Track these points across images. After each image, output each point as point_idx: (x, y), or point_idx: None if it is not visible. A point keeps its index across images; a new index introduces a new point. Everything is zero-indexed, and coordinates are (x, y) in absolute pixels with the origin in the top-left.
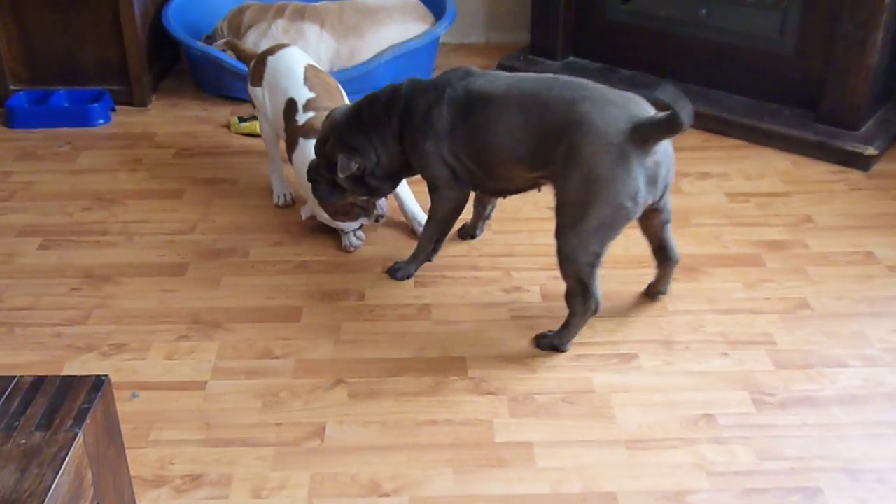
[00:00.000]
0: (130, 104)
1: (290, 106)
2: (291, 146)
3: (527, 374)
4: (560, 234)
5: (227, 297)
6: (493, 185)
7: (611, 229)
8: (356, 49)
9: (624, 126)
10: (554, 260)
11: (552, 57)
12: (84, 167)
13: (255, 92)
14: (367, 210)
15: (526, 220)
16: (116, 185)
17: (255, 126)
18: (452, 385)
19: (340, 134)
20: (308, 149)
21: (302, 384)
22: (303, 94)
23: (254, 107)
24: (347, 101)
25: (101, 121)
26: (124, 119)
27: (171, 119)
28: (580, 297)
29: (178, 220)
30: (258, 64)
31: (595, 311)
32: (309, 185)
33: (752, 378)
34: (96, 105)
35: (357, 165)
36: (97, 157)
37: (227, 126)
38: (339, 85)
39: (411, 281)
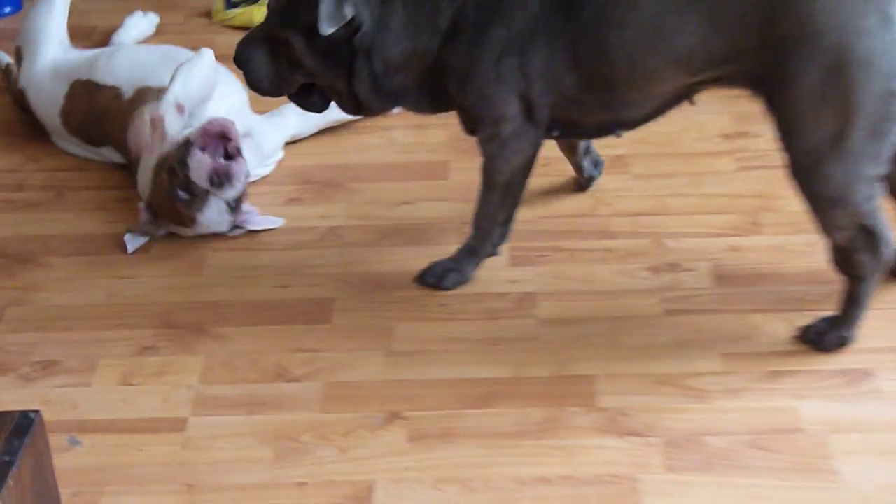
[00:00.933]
0: None
1: None
2: None
3: (692, 403)
4: (810, 169)
5: (215, 285)
6: (608, 115)
7: (885, 136)
8: None
9: None
10: (736, 219)
11: None
12: None
13: None
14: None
15: (687, 155)
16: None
17: (251, 14)
18: (573, 420)
19: None
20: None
21: (335, 421)
22: None
23: None
24: None
25: (8, 8)
26: None
27: (116, 3)
28: (867, 249)
29: None
30: None
31: (890, 261)
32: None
33: None
34: None
35: (352, 14)
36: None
37: (209, 15)
38: None
39: (504, 258)
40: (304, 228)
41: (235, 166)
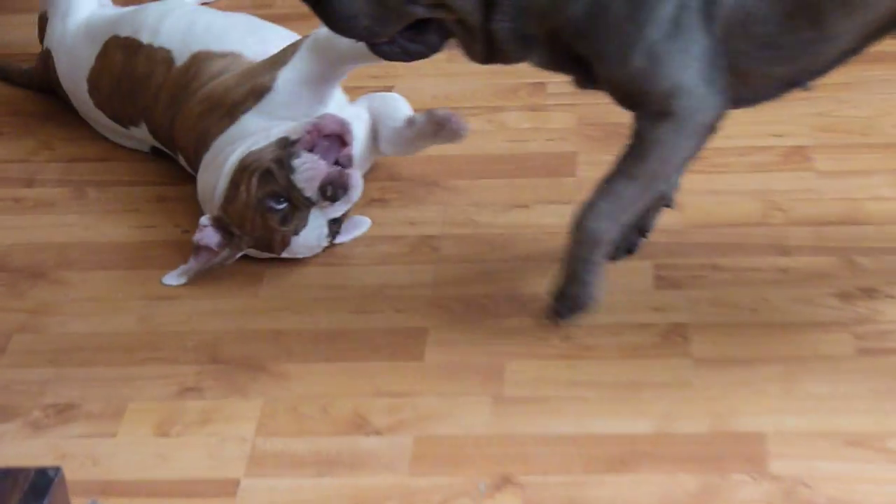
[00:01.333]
0: None
1: None
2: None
3: (894, 472)
4: None
5: (276, 310)
6: (800, 62)
7: None
8: None
9: None
10: None
11: None
12: None
13: None
14: (290, 215)
15: (887, 146)
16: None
17: None
18: (738, 491)
19: None
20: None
21: (429, 487)
22: None
23: None
24: None
25: None
26: None
27: None
28: None
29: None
30: None
31: None
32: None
33: None
34: None
35: None
36: (12, 31)
37: None
38: None
39: (647, 279)
40: (390, 238)
41: (354, 175)
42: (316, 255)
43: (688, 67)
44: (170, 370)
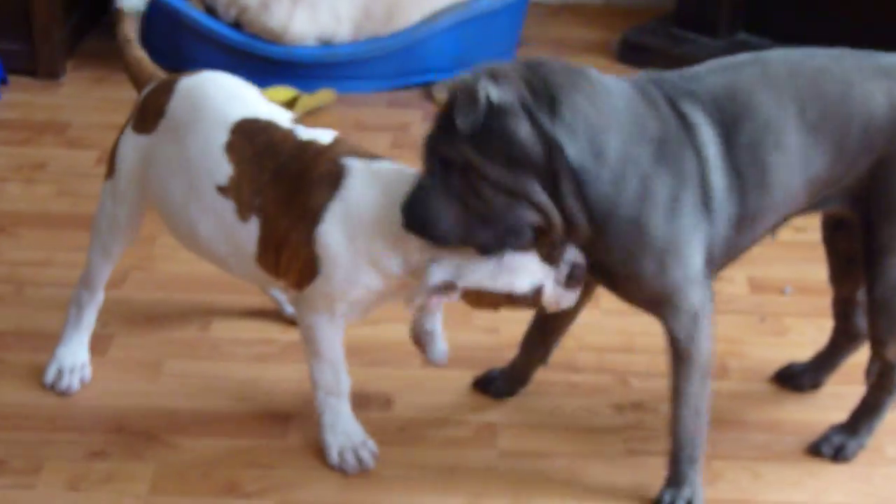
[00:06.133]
0: (32, 74)
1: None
2: None
3: None
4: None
5: (170, 393)
6: (734, 252)
7: None
8: (396, 6)
9: None
10: None
11: (711, 31)
12: None
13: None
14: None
15: None
16: (2, 204)
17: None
18: None
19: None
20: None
21: None
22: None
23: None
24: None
25: None
26: (21, 98)
27: (95, 101)
28: None
29: None
30: (158, 94)
31: None
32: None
33: None
34: None
35: (498, 99)
36: None
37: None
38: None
39: (466, 387)
40: (264, 341)
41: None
42: (202, 353)
43: (695, 267)
44: (81, 440)
